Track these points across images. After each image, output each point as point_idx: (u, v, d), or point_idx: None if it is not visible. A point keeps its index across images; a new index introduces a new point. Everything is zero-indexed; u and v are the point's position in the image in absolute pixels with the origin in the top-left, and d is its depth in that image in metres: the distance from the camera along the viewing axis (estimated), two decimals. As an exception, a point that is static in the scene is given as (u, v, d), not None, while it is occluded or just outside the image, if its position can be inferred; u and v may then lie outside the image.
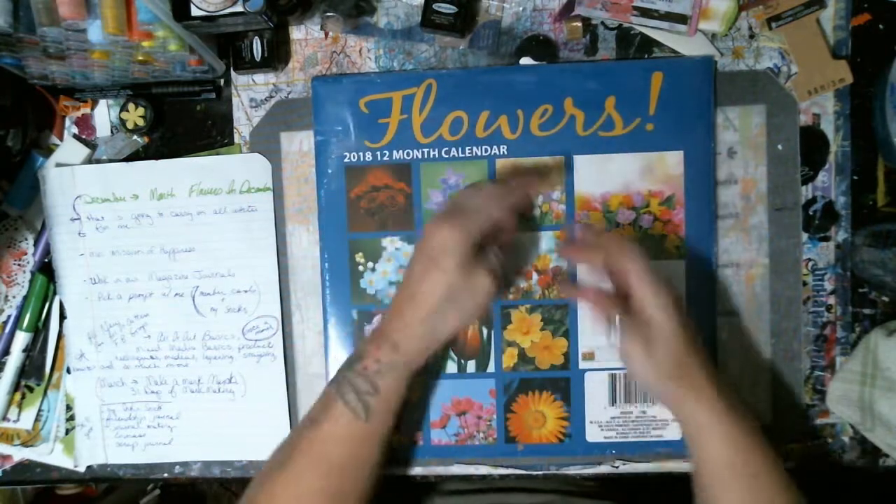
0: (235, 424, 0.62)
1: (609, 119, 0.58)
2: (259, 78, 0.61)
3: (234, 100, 0.62)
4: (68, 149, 0.63)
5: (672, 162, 0.58)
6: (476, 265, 0.50)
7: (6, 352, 0.64)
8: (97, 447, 0.63)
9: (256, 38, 0.59)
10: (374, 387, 0.51)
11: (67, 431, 0.64)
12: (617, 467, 0.60)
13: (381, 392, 0.51)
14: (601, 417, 0.60)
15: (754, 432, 0.51)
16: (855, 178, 0.59)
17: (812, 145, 0.58)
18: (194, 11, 0.53)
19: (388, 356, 0.51)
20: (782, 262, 0.59)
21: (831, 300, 0.59)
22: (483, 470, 0.61)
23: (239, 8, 0.53)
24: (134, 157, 0.63)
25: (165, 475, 0.64)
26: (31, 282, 0.63)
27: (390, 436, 0.53)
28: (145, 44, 0.55)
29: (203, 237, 0.62)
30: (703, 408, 0.50)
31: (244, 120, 0.62)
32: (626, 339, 0.52)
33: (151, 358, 0.63)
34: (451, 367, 0.60)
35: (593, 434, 0.60)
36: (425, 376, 0.60)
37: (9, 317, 0.64)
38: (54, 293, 0.64)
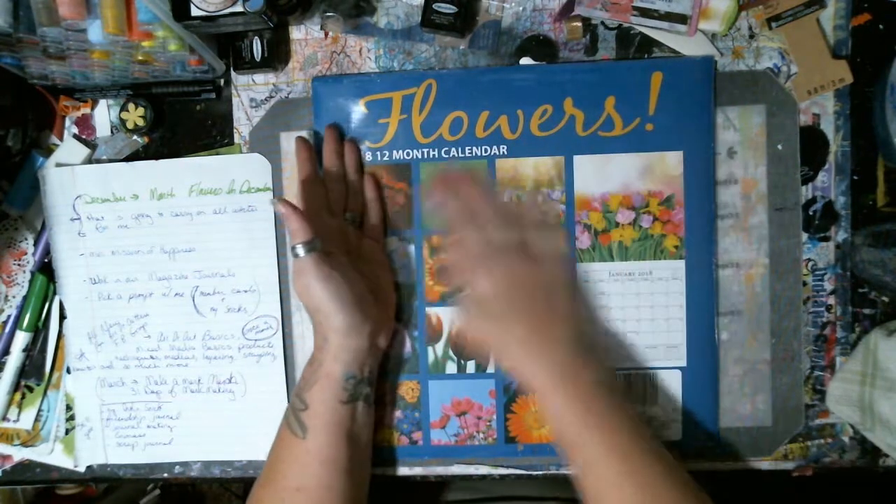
0: (235, 424, 0.62)
1: (609, 119, 0.58)
2: (259, 78, 0.61)
3: (234, 100, 0.62)
4: (68, 149, 0.63)
5: (672, 162, 0.58)
6: (296, 278, 0.52)
7: (6, 352, 0.64)
8: (97, 447, 0.63)
9: (256, 38, 0.59)
10: (304, 402, 0.53)
11: (67, 431, 0.64)
12: (617, 467, 0.60)
13: (310, 406, 0.52)
14: (601, 417, 0.60)
15: (594, 397, 0.49)
16: (855, 178, 0.59)
17: (812, 145, 0.58)
18: (194, 11, 0.53)
19: (308, 371, 0.53)
20: (782, 262, 0.59)
21: (831, 300, 0.59)
22: (483, 470, 0.61)
23: (239, 8, 0.53)
24: (134, 157, 0.63)
25: (165, 475, 0.64)
26: (31, 282, 0.63)
27: (345, 461, 0.52)
28: (145, 44, 0.55)
29: (203, 237, 0.62)
30: (528, 375, 0.51)
31: (244, 120, 0.62)
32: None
33: (151, 358, 0.63)
34: (451, 367, 0.60)
35: (593, 434, 0.60)
36: (423, 377, 0.60)
37: (9, 317, 0.64)
38: (54, 293, 0.64)
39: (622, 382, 0.59)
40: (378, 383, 0.59)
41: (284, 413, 0.54)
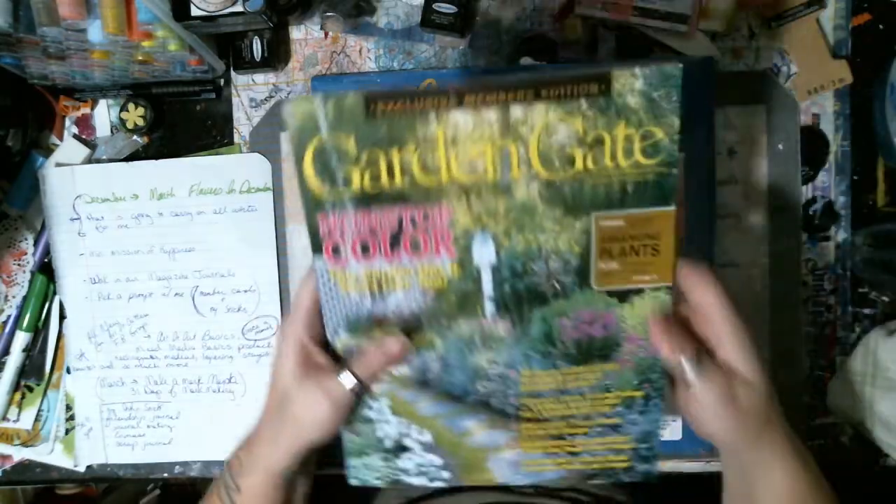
0: (235, 424, 0.62)
1: (609, 119, 0.58)
2: (259, 78, 0.61)
3: (234, 100, 0.62)
4: (68, 149, 0.63)
5: (672, 162, 0.58)
6: (314, 384, 0.46)
7: (6, 352, 0.64)
8: (97, 447, 0.63)
9: (256, 37, 0.59)
10: (237, 485, 0.51)
11: (67, 431, 0.64)
12: (617, 467, 0.60)
13: (243, 490, 0.51)
14: (601, 417, 0.60)
15: (812, 472, 0.47)
16: (855, 178, 0.59)
17: (812, 145, 0.58)
18: (194, 11, 0.53)
19: (245, 457, 0.51)
20: (782, 262, 0.59)
21: (831, 300, 0.59)
22: (483, 470, 0.61)
23: (239, 8, 0.53)
24: (134, 157, 0.63)
25: (165, 475, 0.64)
26: (31, 282, 0.63)
27: None
28: (145, 44, 0.55)
29: (203, 237, 0.62)
30: (769, 453, 0.46)
31: (244, 120, 0.62)
32: (702, 386, 0.44)
33: (151, 358, 0.63)
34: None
35: (593, 434, 0.60)
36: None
37: (9, 317, 0.64)
38: (54, 293, 0.64)
39: None
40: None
41: (215, 483, 0.53)
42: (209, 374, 0.62)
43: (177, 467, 0.64)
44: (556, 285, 0.44)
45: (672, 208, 0.42)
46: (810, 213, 0.59)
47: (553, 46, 0.59)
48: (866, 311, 0.59)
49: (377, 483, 0.51)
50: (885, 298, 0.59)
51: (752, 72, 0.58)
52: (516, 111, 0.40)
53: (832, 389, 0.59)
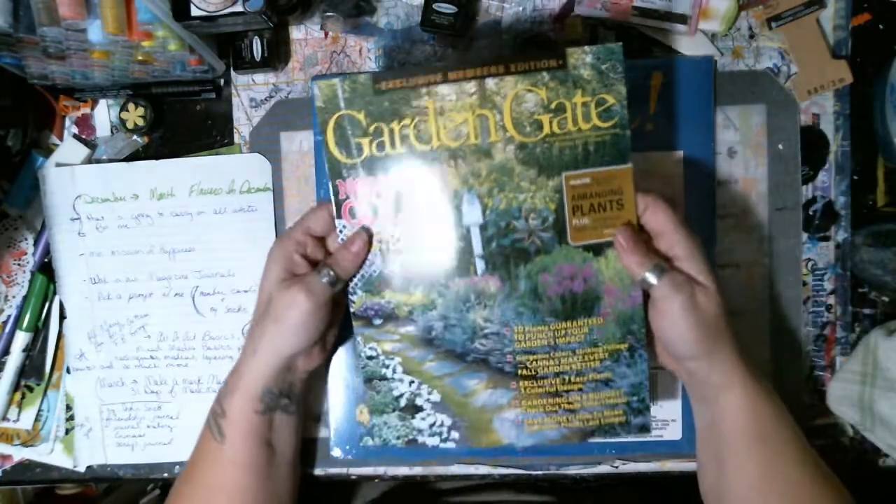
0: (235, 424, 0.62)
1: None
2: (259, 78, 0.61)
3: (234, 100, 0.62)
4: (68, 149, 0.63)
5: (672, 162, 0.58)
6: (295, 282, 0.50)
7: (6, 352, 0.64)
8: (97, 447, 0.63)
9: (256, 37, 0.59)
10: (222, 409, 0.53)
11: (67, 431, 0.64)
12: (617, 467, 0.60)
13: (228, 414, 0.52)
14: (601, 417, 0.60)
15: (774, 401, 0.50)
16: (855, 177, 0.59)
17: (812, 145, 0.58)
18: (194, 11, 0.53)
19: (230, 380, 0.53)
20: (782, 262, 0.59)
21: (831, 300, 0.59)
22: (483, 470, 0.61)
23: (239, 8, 0.53)
24: (134, 157, 0.63)
25: (165, 475, 0.64)
26: (31, 282, 0.63)
27: (263, 465, 0.53)
28: (145, 44, 0.55)
29: (203, 237, 0.62)
30: (728, 368, 0.49)
31: (244, 120, 0.62)
32: (666, 294, 0.47)
33: (151, 358, 0.63)
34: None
35: (593, 434, 0.60)
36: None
37: (9, 317, 0.64)
38: (54, 293, 0.64)
39: None
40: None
41: (207, 415, 0.54)
42: (209, 375, 0.62)
43: (177, 467, 0.64)
44: (537, 241, 0.50)
45: (629, 166, 0.49)
46: (810, 213, 0.59)
47: (553, 47, 0.59)
48: (866, 311, 0.59)
49: (396, 442, 0.54)
50: (885, 298, 0.59)
51: (752, 72, 0.58)
52: (490, 84, 0.48)
53: (832, 389, 0.59)
